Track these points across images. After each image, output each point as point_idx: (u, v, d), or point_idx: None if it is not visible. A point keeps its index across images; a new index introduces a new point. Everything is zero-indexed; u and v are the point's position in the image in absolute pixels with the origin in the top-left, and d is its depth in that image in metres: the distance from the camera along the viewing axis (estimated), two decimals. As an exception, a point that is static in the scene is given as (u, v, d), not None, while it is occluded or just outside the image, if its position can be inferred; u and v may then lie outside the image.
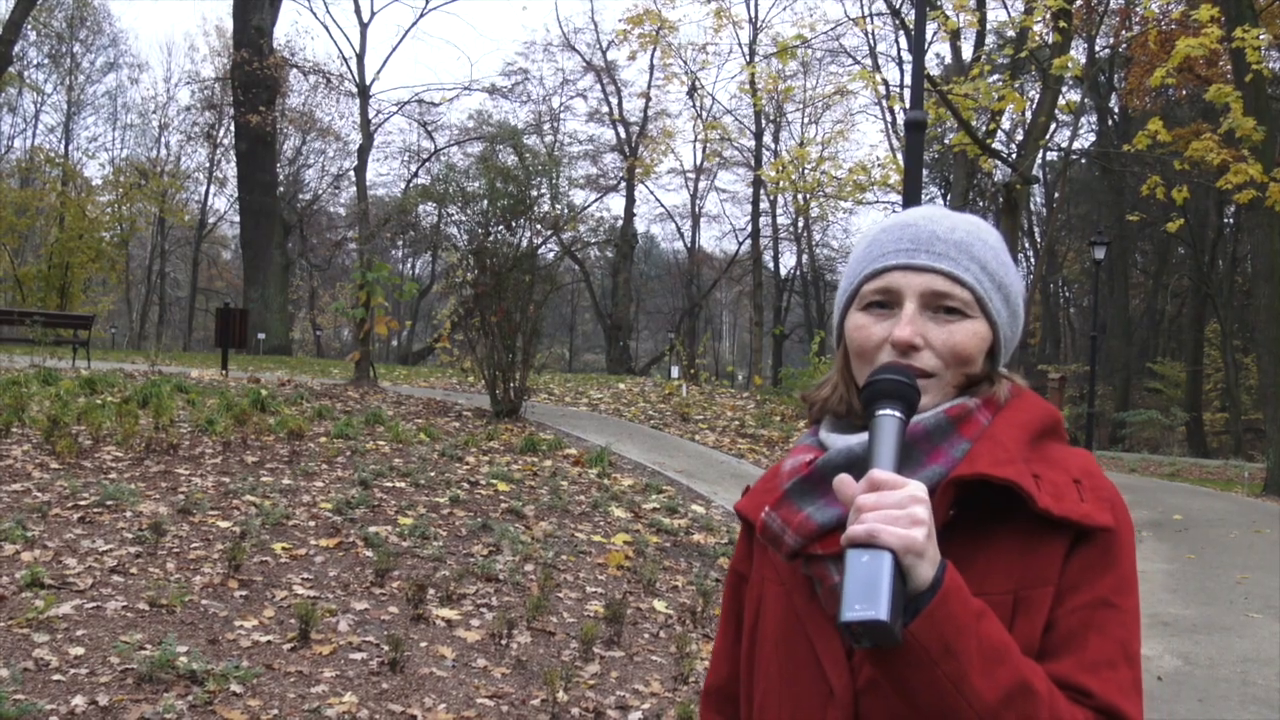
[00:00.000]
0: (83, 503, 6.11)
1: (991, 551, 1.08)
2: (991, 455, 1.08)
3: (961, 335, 1.13)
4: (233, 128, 35.81)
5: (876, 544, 0.95)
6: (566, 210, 12.74)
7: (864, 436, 1.10)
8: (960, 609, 0.96)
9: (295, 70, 31.64)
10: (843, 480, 1.01)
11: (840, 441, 1.15)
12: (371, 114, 22.28)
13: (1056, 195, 31.27)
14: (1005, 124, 23.99)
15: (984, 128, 14.96)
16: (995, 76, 16.25)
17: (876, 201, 23.52)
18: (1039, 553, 1.07)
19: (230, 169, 41.21)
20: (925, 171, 30.88)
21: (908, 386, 1.07)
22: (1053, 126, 19.15)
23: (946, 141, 22.29)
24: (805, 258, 41.94)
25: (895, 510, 0.96)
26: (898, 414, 1.05)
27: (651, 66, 36.22)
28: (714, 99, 34.45)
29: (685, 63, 28.38)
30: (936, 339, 1.13)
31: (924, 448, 1.10)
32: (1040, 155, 21.73)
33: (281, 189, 38.00)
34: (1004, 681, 0.96)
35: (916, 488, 0.98)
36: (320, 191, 43.38)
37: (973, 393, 1.15)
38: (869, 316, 1.16)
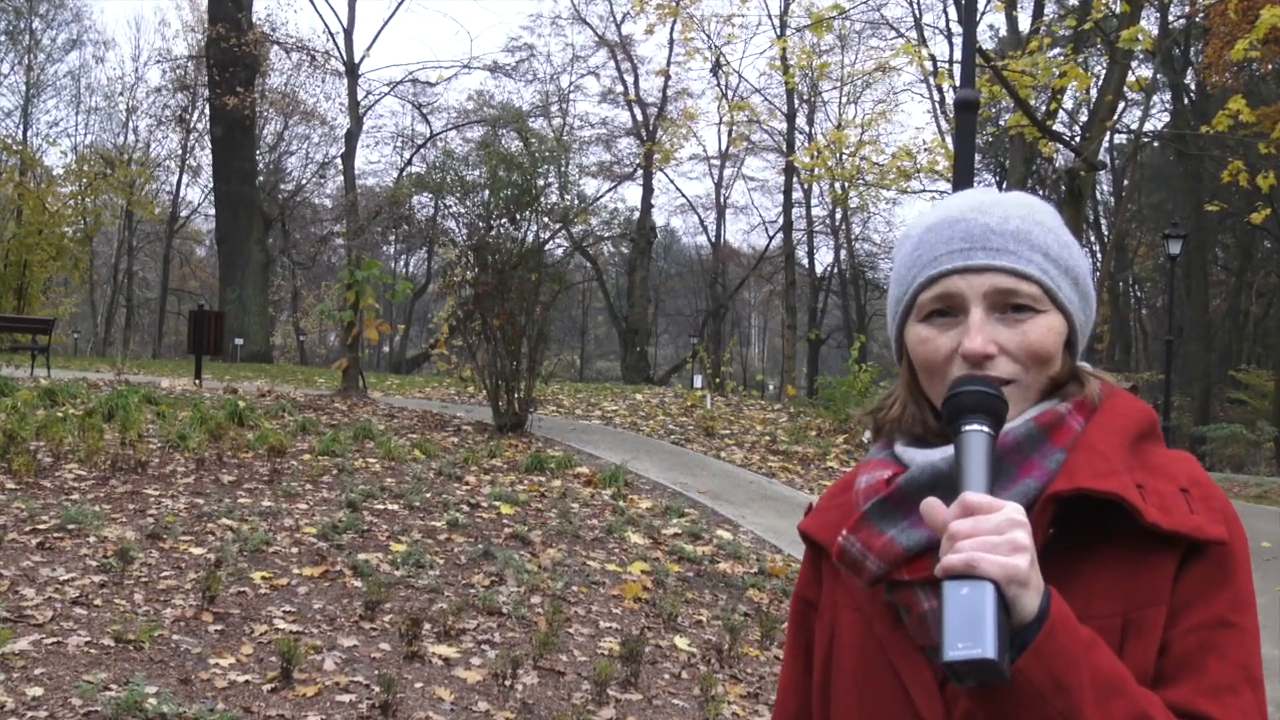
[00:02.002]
0: (42, 526, 6.15)
1: (1095, 571, 1.09)
2: (1090, 466, 1.09)
3: (1036, 334, 1.14)
4: (208, 111, 36.05)
5: (976, 574, 0.95)
6: (577, 201, 12.80)
7: (948, 451, 1.11)
8: (1070, 640, 0.97)
9: (276, 47, 31.99)
10: (932, 505, 1.02)
11: (921, 457, 1.16)
12: (360, 95, 22.48)
13: (1126, 183, 31.11)
14: (1067, 103, 23.89)
15: (1044, 108, 14.93)
16: (1056, 50, 16.23)
17: (923, 190, 23.48)
18: (1148, 570, 1.08)
19: (205, 156, 41.63)
20: (978, 157, 30.76)
21: (993, 398, 1.08)
22: (1121, 106, 19.08)
23: (1001, 123, 22.21)
24: (844, 253, 41.97)
25: (994, 536, 0.97)
26: (985, 429, 1.06)
27: (671, 41, 36.37)
28: (741, 77, 34.47)
29: (709, 36, 28.38)
30: (1010, 342, 1.13)
31: (1015, 460, 1.11)
32: (1107, 138, 21.66)
33: (261, 178, 38.30)
34: (1120, 715, 0.98)
35: (1014, 510, 0.99)
36: (304, 181, 43.82)
37: (1061, 396, 1.16)
38: (931, 328, 1.16)
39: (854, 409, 14.01)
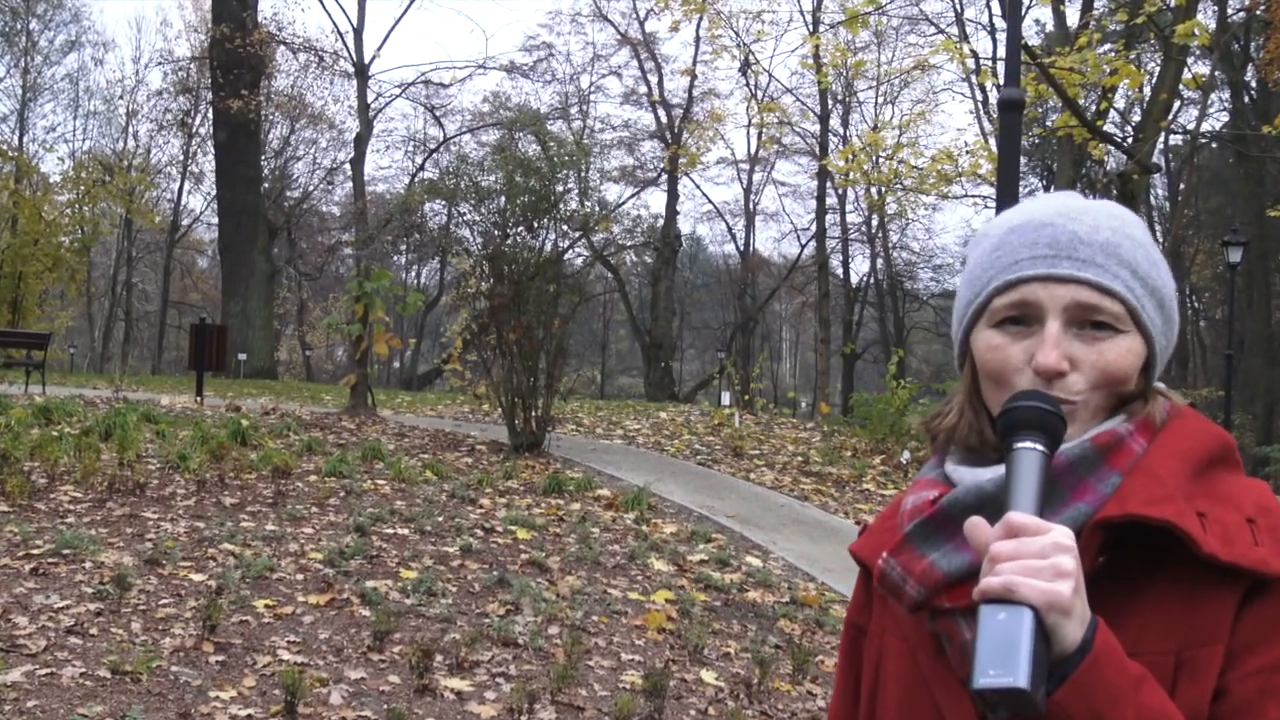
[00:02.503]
0: (35, 551, 6.19)
1: (1148, 604, 1.07)
2: (1146, 491, 1.07)
3: (1114, 355, 1.13)
4: (211, 115, 36.40)
5: (1015, 599, 0.95)
6: (598, 208, 12.84)
7: (998, 471, 1.11)
8: (1114, 674, 0.97)
9: (283, 47, 32.23)
10: (975, 524, 1.02)
11: (970, 476, 1.16)
12: (370, 97, 22.62)
13: (1182, 187, 30.95)
14: (1119, 102, 23.79)
15: (1093, 107, 14.87)
16: (1107, 46, 16.15)
17: (965, 196, 23.48)
18: (1205, 605, 1.06)
19: (207, 163, 41.93)
20: (1023, 159, 30.66)
21: (1051, 415, 1.07)
22: (1176, 105, 18.98)
23: (1048, 124, 22.13)
24: (880, 262, 41.86)
25: (1036, 560, 0.97)
26: (1039, 447, 1.06)
27: (697, 38, 36.50)
28: (771, 76, 34.60)
29: (737, 33, 28.44)
30: (1085, 360, 1.13)
31: (1068, 483, 1.10)
32: (1162, 139, 21.54)
33: (266, 185, 38.54)
34: None
35: (1061, 533, 0.99)
36: (311, 188, 43.99)
37: (1124, 415, 1.15)
38: (1003, 335, 1.16)
39: (913, 420, 13.98)
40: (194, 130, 42.09)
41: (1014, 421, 1.07)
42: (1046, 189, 35.05)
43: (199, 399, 15.50)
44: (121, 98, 44.55)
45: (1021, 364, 1.13)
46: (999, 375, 1.15)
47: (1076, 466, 1.10)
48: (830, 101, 34.59)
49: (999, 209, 8.17)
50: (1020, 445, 1.06)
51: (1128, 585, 1.08)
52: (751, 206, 43.55)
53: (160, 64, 47.80)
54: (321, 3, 39.67)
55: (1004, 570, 0.96)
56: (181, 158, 44.50)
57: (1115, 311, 1.13)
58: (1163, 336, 1.19)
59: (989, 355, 1.16)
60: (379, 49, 45.17)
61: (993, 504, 1.07)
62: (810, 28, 28.58)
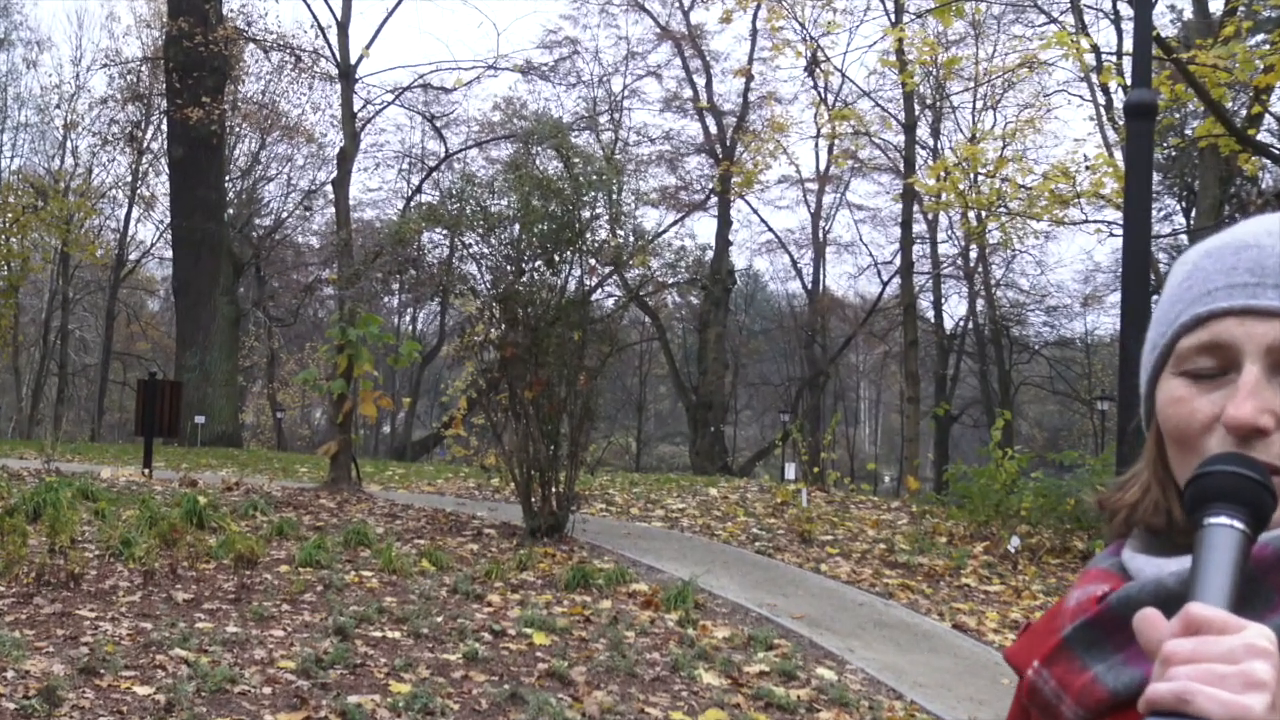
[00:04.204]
0: (-53, 657, 6.18)
1: None
2: None
3: None
4: (165, 126, 36.90)
5: (1189, 712, 0.91)
6: (633, 238, 12.85)
7: (1185, 562, 1.06)
8: None
9: (252, 45, 32.79)
10: (1146, 617, 0.98)
11: (1150, 567, 1.14)
12: (357, 105, 22.90)
13: (1356, 208, 30.62)
14: (1276, 105, 23.69)
15: (1243, 111, 14.78)
16: (1260, 37, 16.09)
17: (1085, 221, 23.21)
18: None
19: (160, 184, 42.42)
20: (1157, 176, 30.46)
21: (1255, 484, 1.03)
22: (1348, 108, 18.83)
23: (1187, 132, 22.05)
24: (980, 304, 41.62)
25: (1222, 665, 0.92)
26: (1238, 524, 1.01)
27: (754, 32, 36.85)
28: (844, 77, 34.68)
29: (802, 25, 28.65)
30: None
31: (1276, 581, 1.07)
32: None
33: (231, 212, 39.01)
34: None
35: (1259, 634, 0.94)
36: (285, 215, 44.46)
37: None
38: (1189, 385, 1.13)
39: (1088, 498, 13.80)
40: (145, 145, 42.52)
41: (1205, 492, 1.03)
42: (1187, 213, 34.90)
43: (146, 471, 15.56)
44: (58, 106, 45.12)
45: (1211, 420, 1.10)
46: (1183, 435, 1.12)
47: None
48: (917, 107, 34.54)
49: (1127, 237, 8.09)
50: (1212, 521, 1.01)
51: None
52: (821, 235, 43.57)
53: (105, 65, 48.36)
54: (299, -8, 40.59)
55: (1179, 675, 0.92)
56: (130, 178, 44.99)
57: None
58: None
59: (1170, 410, 1.13)
60: (368, 47, 45.45)
61: (1177, 603, 1.00)
62: (892, 17, 28.70)
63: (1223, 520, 1.01)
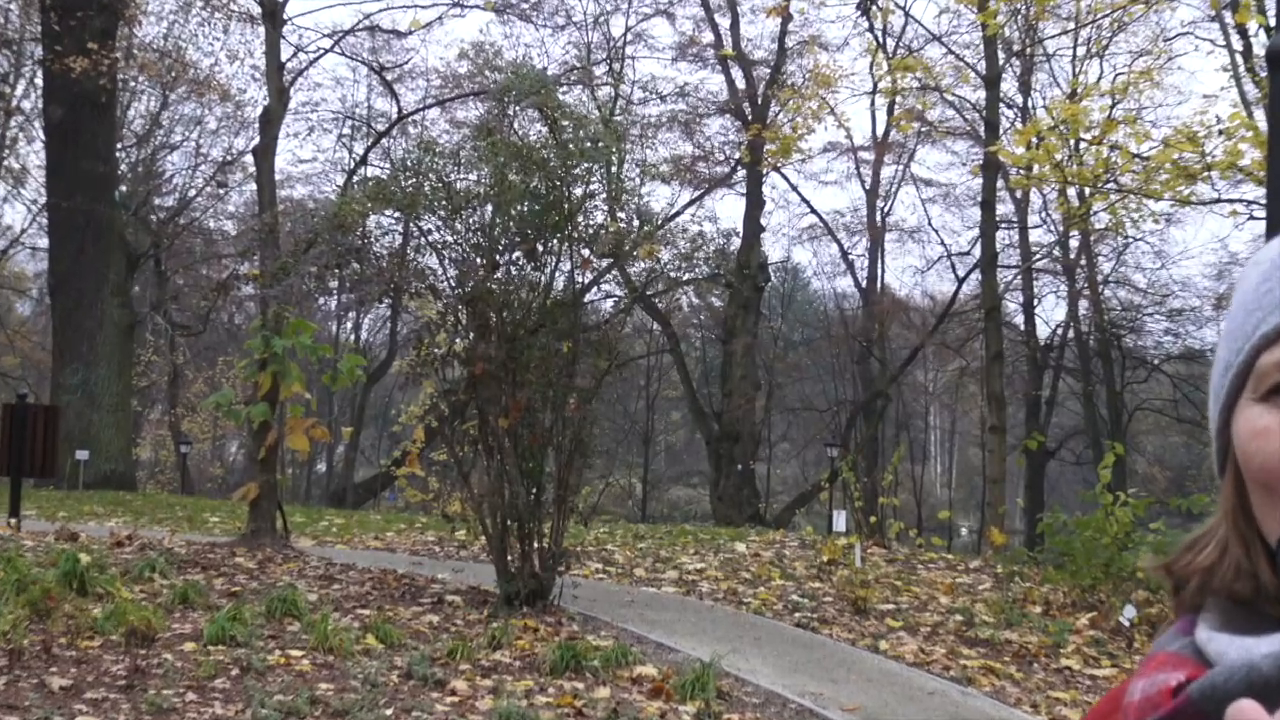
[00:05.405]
0: None
1: None
2: None
3: None
4: (41, 80, 36.60)
5: None
6: (637, 222, 12.88)
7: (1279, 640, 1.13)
8: None
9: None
10: (1244, 711, 1.01)
11: (1235, 649, 1.14)
12: (286, 53, 22.78)
13: None
14: None
15: None
16: None
17: (1217, 200, 22.85)
18: None
19: (34, 154, 42.21)
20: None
21: None
22: None
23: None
24: (1084, 306, 41.02)
25: None
26: None
27: (793, -44, 36.18)
28: (909, 16, 34.20)
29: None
30: None
31: None
32: None
33: (124, 189, 38.81)
34: None
35: None
36: (193, 193, 44.12)
37: None
38: (1276, 412, 1.16)
39: (1144, 558, 14.18)
40: (14, 105, 42.15)
41: None
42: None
43: (13, 521, 15.81)
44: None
45: None
46: (1272, 478, 1.15)
47: None
48: (1002, 55, 33.66)
49: (1271, 219, 7.88)
50: None
51: None
52: (879, 219, 43.22)
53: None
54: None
55: None
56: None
57: None
58: None
59: (1253, 445, 1.17)
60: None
61: (1277, 694, 1.05)
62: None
63: None
